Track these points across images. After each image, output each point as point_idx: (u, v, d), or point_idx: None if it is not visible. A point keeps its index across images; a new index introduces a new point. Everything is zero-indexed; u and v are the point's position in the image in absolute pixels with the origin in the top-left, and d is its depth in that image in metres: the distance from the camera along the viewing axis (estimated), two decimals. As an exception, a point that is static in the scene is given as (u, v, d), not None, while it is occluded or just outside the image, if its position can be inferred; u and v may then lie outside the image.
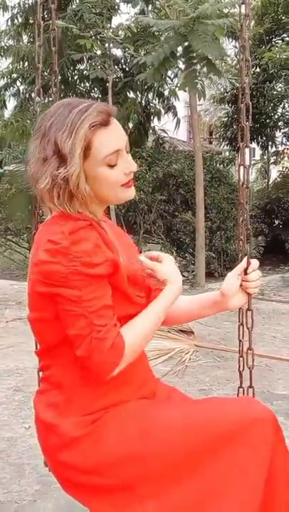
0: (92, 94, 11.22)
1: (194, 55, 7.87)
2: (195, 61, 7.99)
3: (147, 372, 1.59)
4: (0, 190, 10.73)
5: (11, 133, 10.98)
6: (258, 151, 15.70)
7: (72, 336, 1.36)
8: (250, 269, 1.64)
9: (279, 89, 12.61)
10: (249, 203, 1.86)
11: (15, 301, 6.90)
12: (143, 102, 11.56)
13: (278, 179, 14.27)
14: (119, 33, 9.71)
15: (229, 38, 10.92)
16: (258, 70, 11.70)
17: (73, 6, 10.48)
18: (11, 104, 12.04)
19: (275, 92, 12.39)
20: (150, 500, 1.40)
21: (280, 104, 12.88)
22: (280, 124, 13.03)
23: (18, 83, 11.47)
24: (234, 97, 11.49)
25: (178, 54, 8.27)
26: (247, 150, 1.86)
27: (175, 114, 11.80)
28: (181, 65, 9.43)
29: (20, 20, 10.85)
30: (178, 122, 11.94)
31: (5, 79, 11.36)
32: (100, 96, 10.88)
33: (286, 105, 13.06)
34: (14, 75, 11.34)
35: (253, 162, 15.87)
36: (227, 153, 14.05)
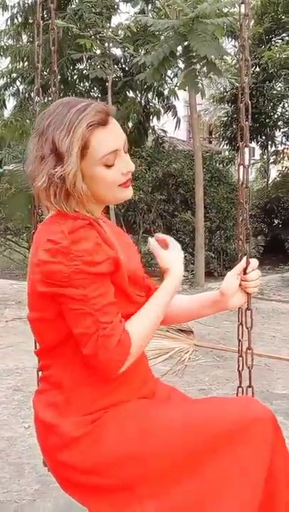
0: (91, 93, 11.22)
1: (194, 54, 7.87)
2: (195, 60, 7.99)
3: (147, 372, 1.59)
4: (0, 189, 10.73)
5: (11, 132, 10.98)
6: (258, 151, 15.69)
7: (78, 335, 1.36)
8: (250, 268, 1.64)
9: (279, 89, 12.61)
10: (249, 203, 1.85)
11: (14, 300, 6.90)
12: (142, 101, 11.56)
13: (278, 179, 14.26)
14: (119, 32, 9.71)
15: (229, 37, 10.92)
16: (257, 69, 11.70)
17: (73, 6, 10.48)
18: (11, 103, 12.05)
19: (274, 92, 12.39)
20: (150, 500, 1.40)
21: (280, 103, 12.87)
22: (279, 123, 13.03)
23: (18, 83, 11.47)
24: (234, 97, 11.49)
25: (178, 54, 8.27)
26: (246, 149, 1.86)
27: (175, 114, 11.80)
28: (181, 65, 9.43)
29: (19, 19, 10.86)
30: (178, 122, 11.94)
31: (4, 78, 11.36)
32: (99, 95, 10.88)
33: (286, 105, 13.06)
34: (14, 75, 11.34)
35: (252, 162, 15.86)
36: (227, 153, 14.05)
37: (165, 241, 1.58)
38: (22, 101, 11.43)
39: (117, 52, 10.45)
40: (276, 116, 12.89)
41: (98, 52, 9.55)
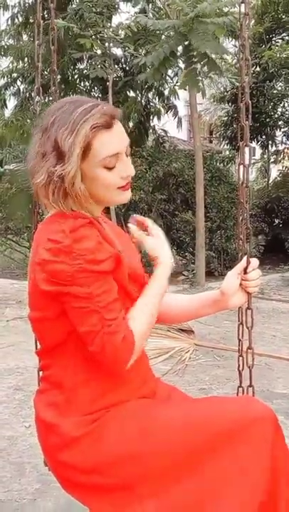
0: (92, 93, 11.22)
1: (194, 53, 7.86)
2: (195, 59, 7.99)
3: (147, 372, 1.59)
4: (0, 189, 10.73)
5: (11, 132, 10.98)
6: (258, 150, 15.69)
7: (83, 333, 1.36)
8: (250, 268, 1.64)
9: (279, 88, 12.62)
10: (249, 202, 1.86)
11: (15, 300, 6.90)
12: (143, 101, 11.55)
13: (278, 178, 14.27)
14: (120, 32, 9.70)
15: (229, 37, 10.91)
16: (258, 69, 11.69)
17: (73, 5, 10.48)
18: (11, 103, 12.05)
19: (275, 91, 12.39)
20: (150, 500, 1.40)
21: (280, 103, 12.87)
22: (280, 123, 13.03)
23: (19, 82, 11.47)
24: (234, 96, 11.48)
25: (178, 53, 8.27)
26: (247, 149, 1.86)
27: (176, 114, 11.80)
28: (181, 64, 9.42)
29: (20, 19, 10.85)
30: (180, 122, 11.95)
31: (5, 78, 11.37)
32: (100, 95, 10.87)
33: (286, 104, 13.05)
34: (14, 75, 11.34)
35: (253, 161, 15.85)
36: (227, 153, 14.06)
37: (143, 223, 1.57)
38: (23, 101, 11.43)
39: (118, 51, 10.45)
40: (276, 115, 12.89)
41: (99, 51, 9.55)
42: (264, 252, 10.44)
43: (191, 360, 4.68)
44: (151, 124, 12.08)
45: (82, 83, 11.34)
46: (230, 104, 12.71)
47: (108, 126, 1.38)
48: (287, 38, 12.12)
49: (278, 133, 13.55)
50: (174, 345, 4.87)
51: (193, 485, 1.40)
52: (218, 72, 8.85)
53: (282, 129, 13.27)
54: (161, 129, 12.23)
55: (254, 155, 16.20)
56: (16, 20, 10.90)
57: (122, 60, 10.91)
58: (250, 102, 1.84)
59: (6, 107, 12.15)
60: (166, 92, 11.55)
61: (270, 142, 13.82)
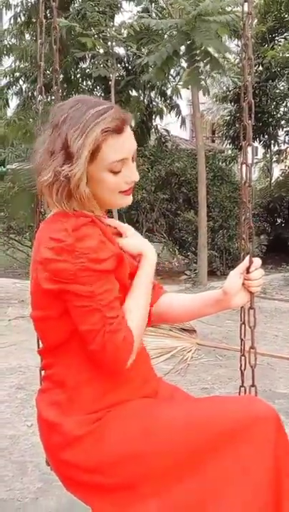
0: (94, 92, 11.23)
1: (197, 52, 7.86)
2: (198, 58, 7.98)
3: (149, 371, 1.59)
4: (3, 188, 10.74)
5: (14, 131, 11.00)
6: (261, 150, 15.69)
7: (84, 332, 1.36)
8: (253, 267, 1.64)
9: (282, 88, 12.62)
10: (251, 202, 1.85)
11: (17, 299, 6.91)
12: (145, 100, 11.56)
13: (281, 178, 14.28)
14: (122, 31, 9.70)
15: (232, 36, 10.90)
16: (260, 68, 11.70)
17: (76, 5, 10.49)
18: (14, 102, 12.07)
19: (277, 91, 12.40)
20: (152, 499, 1.40)
21: (283, 102, 12.88)
22: (282, 122, 13.04)
23: (21, 82, 11.50)
24: (237, 96, 11.50)
25: (181, 52, 8.26)
26: (249, 148, 1.86)
27: (179, 113, 11.80)
28: (184, 64, 9.42)
29: (23, 18, 10.88)
30: (183, 121, 11.95)
31: (8, 77, 11.39)
32: (102, 94, 10.89)
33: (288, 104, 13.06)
34: (17, 74, 11.37)
35: (255, 161, 15.85)
36: (229, 152, 14.08)
37: (116, 228, 1.53)
38: (25, 100, 11.46)
39: (120, 51, 10.47)
40: (279, 115, 12.91)
41: (101, 51, 9.56)
42: (266, 252, 10.44)
43: (193, 360, 4.68)
44: (154, 124, 12.09)
45: (84, 82, 11.36)
46: (232, 103, 12.73)
47: (119, 131, 1.38)
48: (289, 37, 12.12)
49: (281, 132, 13.56)
50: (176, 344, 4.87)
51: (195, 484, 1.39)
52: (221, 70, 8.85)
53: (285, 129, 13.28)
54: (164, 129, 12.23)
55: (256, 154, 16.20)
56: (19, 19, 10.93)
57: (125, 60, 10.92)
58: (252, 101, 1.83)
59: (9, 107, 12.19)
60: (168, 92, 11.55)
61: (272, 142, 13.82)
